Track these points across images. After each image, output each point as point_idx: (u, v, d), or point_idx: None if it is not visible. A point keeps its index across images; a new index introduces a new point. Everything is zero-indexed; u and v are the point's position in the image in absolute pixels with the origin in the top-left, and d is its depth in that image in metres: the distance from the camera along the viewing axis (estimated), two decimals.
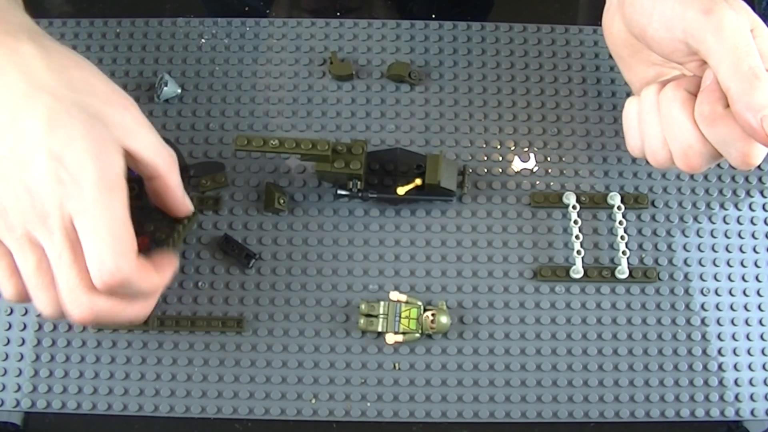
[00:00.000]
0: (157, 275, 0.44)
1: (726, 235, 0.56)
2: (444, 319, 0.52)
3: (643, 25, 0.46)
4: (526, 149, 0.58)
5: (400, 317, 0.52)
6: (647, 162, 0.48)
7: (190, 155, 0.57)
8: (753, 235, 0.56)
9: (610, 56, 0.59)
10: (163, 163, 0.45)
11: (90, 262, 0.41)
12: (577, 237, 0.55)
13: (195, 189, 0.56)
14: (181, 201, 0.48)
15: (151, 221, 0.49)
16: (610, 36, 0.52)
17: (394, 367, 0.53)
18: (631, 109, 0.49)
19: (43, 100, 0.41)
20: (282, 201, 0.55)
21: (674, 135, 0.45)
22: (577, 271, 0.54)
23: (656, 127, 0.46)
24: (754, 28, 0.43)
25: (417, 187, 0.54)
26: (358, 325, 0.53)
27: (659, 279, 0.55)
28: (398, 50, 0.60)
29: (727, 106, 0.42)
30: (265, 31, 0.61)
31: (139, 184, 0.55)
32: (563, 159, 0.58)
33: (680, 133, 0.44)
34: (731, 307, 0.54)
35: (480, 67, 0.60)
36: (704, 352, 0.53)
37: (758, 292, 0.55)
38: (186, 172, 0.55)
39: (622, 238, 0.55)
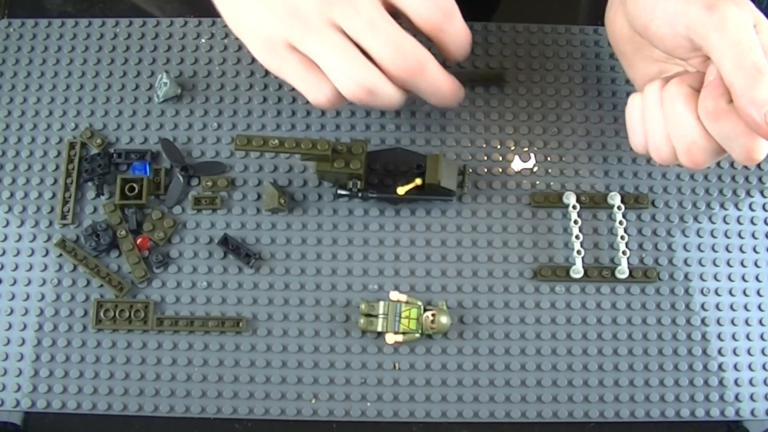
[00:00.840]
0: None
1: (726, 235, 0.56)
2: (444, 320, 0.52)
3: (646, 21, 0.46)
4: (526, 149, 0.58)
5: (400, 317, 0.52)
6: (650, 160, 0.48)
7: (189, 155, 0.57)
8: (753, 235, 0.56)
9: (611, 56, 0.59)
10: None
11: (416, 5, 0.45)
12: (577, 237, 0.55)
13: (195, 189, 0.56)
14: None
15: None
16: (613, 33, 0.52)
17: (394, 367, 0.53)
18: (634, 106, 0.49)
19: None
20: (283, 201, 0.55)
21: (678, 131, 0.45)
22: (577, 271, 0.54)
23: (659, 123, 0.46)
24: (757, 23, 0.43)
25: (417, 186, 0.54)
26: (358, 325, 0.53)
27: (659, 279, 0.55)
28: None
29: (731, 101, 0.42)
30: None
31: (139, 185, 0.55)
32: (563, 159, 0.58)
33: (684, 129, 0.44)
34: (731, 307, 0.54)
35: (480, 67, 0.60)
36: (704, 352, 0.53)
37: (758, 292, 0.55)
38: (186, 171, 0.55)
39: (622, 238, 0.55)
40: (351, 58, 0.45)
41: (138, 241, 0.54)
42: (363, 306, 0.53)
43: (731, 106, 0.42)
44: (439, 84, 0.48)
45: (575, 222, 0.55)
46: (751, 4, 0.44)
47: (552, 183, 0.57)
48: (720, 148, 0.44)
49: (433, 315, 0.52)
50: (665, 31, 0.45)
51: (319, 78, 0.47)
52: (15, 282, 0.54)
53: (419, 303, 0.53)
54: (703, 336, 0.54)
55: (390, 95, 0.47)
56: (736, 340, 0.54)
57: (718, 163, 0.57)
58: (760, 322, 0.54)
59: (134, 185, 0.55)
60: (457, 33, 0.48)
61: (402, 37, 0.45)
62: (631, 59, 0.51)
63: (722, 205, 0.57)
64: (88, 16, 0.61)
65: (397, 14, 0.46)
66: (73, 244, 0.54)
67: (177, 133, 0.57)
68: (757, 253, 0.56)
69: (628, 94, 0.57)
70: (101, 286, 0.54)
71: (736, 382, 0.53)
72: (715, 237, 0.56)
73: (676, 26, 0.44)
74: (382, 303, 0.53)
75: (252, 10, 0.46)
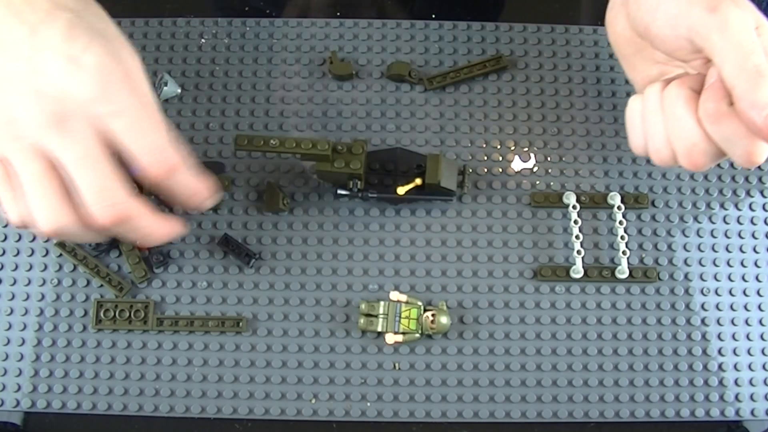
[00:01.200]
0: (199, 180, 0.46)
1: (726, 235, 0.56)
2: (444, 320, 0.52)
3: (648, 22, 0.46)
4: (526, 149, 0.58)
5: (400, 317, 0.52)
6: (650, 160, 0.48)
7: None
8: (753, 235, 0.56)
9: (611, 56, 0.59)
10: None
11: (142, 155, 0.42)
12: (577, 237, 0.55)
13: None
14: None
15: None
16: (614, 34, 0.52)
17: (394, 367, 0.53)
18: (634, 108, 0.49)
19: (64, 16, 0.42)
20: (285, 202, 0.55)
21: (678, 133, 0.45)
22: (577, 271, 0.54)
23: (660, 125, 0.46)
24: (759, 26, 0.43)
25: (417, 186, 0.54)
26: (358, 324, 0.53)
27: (659, 279, 0.55)
28: (398, 50, 0.60)
29: (732, 103, 0.42)
30: (266, 30, 0.61)
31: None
32: (563, 159, 0.58)
33: (684, 131, 0.44)
34: (731, 307, 0.54)
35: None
36: (704, 352, 0.53)
37: (758, 292, 0.55)
38: None
39: (622, 238, 0.55)
40: (41, 193, 0.41)
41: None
42: (363, 306, 0.53)
43: (732, 109, 0.42)
44: (149, 234, 0.45)
45: (575, 222, 0.55)
46: (753, 7, 0.44)
47: (552, 183, 0.57)
48: (720, 150, 0.44)
49: (433, 315, 0.52)
50: (667, 33, 0.45)
51: (10, 195, 0.43)
52: (15, 282, 0.54)
53: (419, 303, 0.53)
54: (703, 336, 0.54)
55: (82, 237, 0.44)
56: (736, 340, 0.54)
57: (718, 164, 0.57)
58: (760, 322, 0.54)
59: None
60: (181, 186, 0.45)
61: (109, 185, 0.41)
62: (631, 61, 0.51)
63: (722, 205, 0.57)
64: None
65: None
66: (73, 244, 0.54)
67: (177, 133, 0.57)
68: (757, 253, 0.56)
69: (628, 95, 0.57)
70: (101, 286, 0.54)
71: (736, 382, 0.53)
72: (715, 237, 0.56)
73: (677, 28, 0.44)
74: (382, 303, 0.53)
75: None
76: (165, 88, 0.57)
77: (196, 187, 0.46)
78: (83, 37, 0.41)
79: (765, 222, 0.56)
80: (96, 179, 0.41)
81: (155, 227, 0.45)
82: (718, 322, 0.54)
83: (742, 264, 0.55)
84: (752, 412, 0.52)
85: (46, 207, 0.42)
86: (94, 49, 0.41)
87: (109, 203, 0.42)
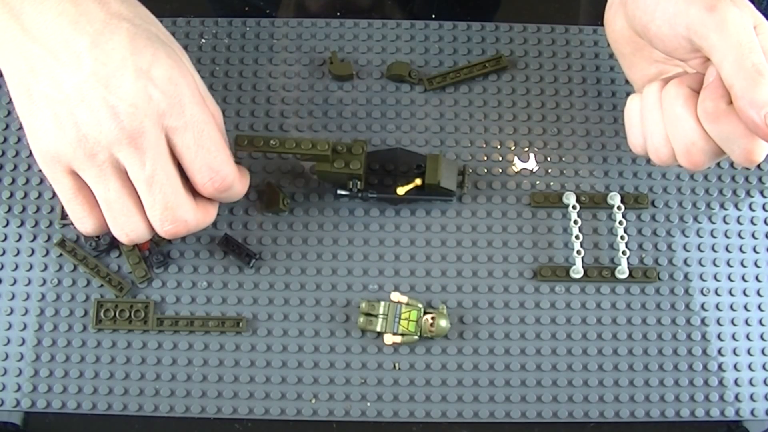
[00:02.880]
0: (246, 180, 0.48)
1: (726, 235, 0.56)
2: (443, 323, 0.52)
3: (646, 21, 0.46)
4: (526, 149, 0.58)
5: (399, 318, 0.52)
6: (649, 160, 0.48)
7: None
8: (753, 235, 0.56)
9: (611, 56, 0.59)
10: None
11: (199, 172, 0.43)
12: (577, 237, 0.55)
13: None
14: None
15: None
16: (613, 33, 0.52)
17: (394, 367, 0.53)
18: (633, 107, 0.49)
19: (124, 26, 0.41)
20: (286, 202, 0.55)
21: (677, 132, 0.45)
22: (577, 271, 0.54)
23: (659, 124, 0.46)
24: (758, 25, 0.43)
25: (417, 187, 0.54)
26: (357, 323, 0.53)
27: (659, 279, 0.55)
28: (398, 50, 0.60)
29: (730, 102, 0.42)
30: (266, 31, 0.61)
31: None
32: (563, 159, 0.58)
33: (683, 131, 0.44)
34: (731, 307, 0.54)
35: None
36: (704, 352, 0.53)
37: (758, 292, 0.55)
38: None
39: (622, 238, 0.55)
40: (119, 209, 0.43)
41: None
42: (363, 305, 0.53)
43: (731, 108, 0.42)
44: (198, 229, 0.47)
45: (575, 222, 0.55)
46: (751, 6, 0.44)
47: (552, 183, 0.57)
48: (719, 149, 0.44)
49: (432, 318, 0.52)
50: (665, 32, 0.45)
51: (85, 209, 0.44)
52: (15, 282, 0.54)
53: (420, 305, 0.53)
54: (703, 336, 0.54)
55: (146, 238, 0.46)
56: (736, 340, 0.54)
57: (718, 163, 0.58)
58: (760, 322, 0.54)
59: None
60: (228, 198, 0.47)
61: (176, 202, 0.43)
62: (630, 60, 0.51)
63: (722, 205, 0.57)
64: None
65: None
66: (73, 244, 0.54)
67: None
68: (757, 253, 0.56)
69: (628, 94, 0.57)
70: (101, 286, 0.54)
71: (736, 382, 0.53)
72: (715, 237, 0.56)
73: (676, 27, 0.44)
74: (382, 303, 0.53)
75: (43, 121, 0.41)
76: None
77: (240, 194, 0.48)
78: (148, 48, 0.41)
79: (765, 222, 0.56)
80: (163, 196, 0.42)
81: (204, 224, 0.46)
82: (718, 322, 0.54)
83: (742, 264, 0.55)
84: (752, 412, 0.52)
85: (123, 222, 0.43)
86: (162, 61, 0.41)
87: (172, 220, 0.43)
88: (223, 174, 0.44)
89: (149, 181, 0.42)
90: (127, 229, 0.44)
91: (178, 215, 0.43)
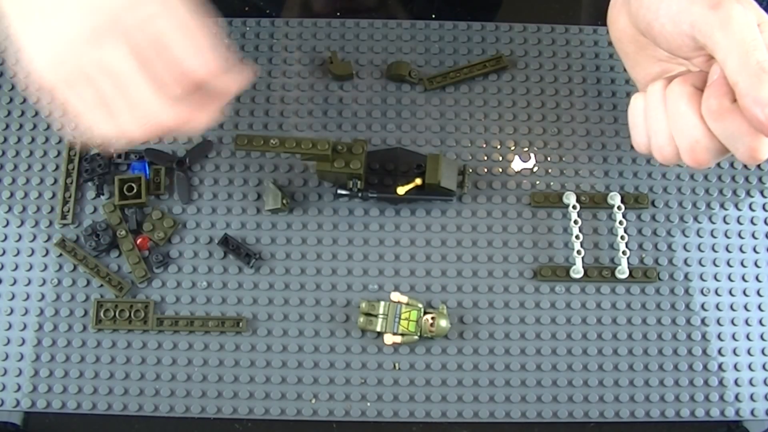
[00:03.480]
0: (234, 76, 0.46)
1: (726, 235, 0.56)
2: (443, 323, 0.52)
3: (650, 20, 0.46)
4: (526, 149, 0.58)
5: (399, 318, 0.52)
6: (650, 160, 0.48)
7: (188, 154, 0.57)
8: (753, 235, 0.56)
9: (611, 56, 0.59)
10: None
11: (184, 55, 0.43)
12: (577, 237, 0.55)
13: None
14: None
15: None
16: (616, 32, 0.52)
17: (394, 367, 0.53)
18: (637, 106, 0.49)
19: None
20: (285, 201, 0.55)
21: (681, 130, 0.45)
22: (577, 271, 0.54)
23: (663, 122, 0.46)
24: (761, 22, 0.43)
25: (417, 186, 0.54)
26: (357, 323, 0.53)
27: (659, 279, 0.55)
28: (398, 50, 0.60)
29: (735, 100, 0.42)
30: (266, 31, 0.61)
31: (137, 184, 0.55)
32: (563, 159, 0.58)
33: (687, 129, 0.44)
34: (731, 307, 0.54)
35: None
36: (704, 352, 0.53)
37: (758, 292, 0.55)
38: (182, 164, 0.56)
39: (622, 238, 0.55)
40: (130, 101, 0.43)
41: (138, 241, 0.54)
42: (363, 305, 0.53)
43: (735, 106, 0.42)
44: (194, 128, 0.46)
45: (575, 222, 0.55)
46: (755, 4, 0.44)
47: (552, 183, 0.57)
48: (723, 147, 0.44)
49: (432, 318, 0.52)
50: (669, 30, 0.45)
51: (102, 111, 0.44)
52: (15, 282, 0.54)
53: (420, 305, 0.53)
54: (703, 336, 0.54)
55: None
56: (736, 340, 0.54)
57: (718, 164, 0.57)
58: (760, 322, 0.54)
59: (132, 185, 0.55)
60: (221, 88, 0.46)
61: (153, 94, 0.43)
62: (634, 59, 0.51)
63: (722, 205, 0.57)
64: None
65: None
66: (73, 244, 0.54)
67: (177, 133, 0.57)
68: (757, 253, 0.56)
69: (628, 95, 0.57)
70: (101, 286, 0.54)
71: (736, 382, 0.53)
72: (715, 237, 0.56)
73: (680, 25, 0.44)
74: (382, 303, 0.53)
75: (36, 34, 0.43)
76: None
77: (232, 87, 0.47)
78: None
79: (765, 222, 0.56)
80: (152, 81, 0.42)
81: (200, 124, 0.46)
82: (718, 322, 0.54)
83: (742, 264, 0.55)
84: (752, 412, 0.52)
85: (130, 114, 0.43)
86: None
87: (147, 118, 0.43)
88: (209, 57, 0.44)
89: (136, 72, 0.42)
90: (129, 119, 0.43)
91: (153, 112, 0.43)
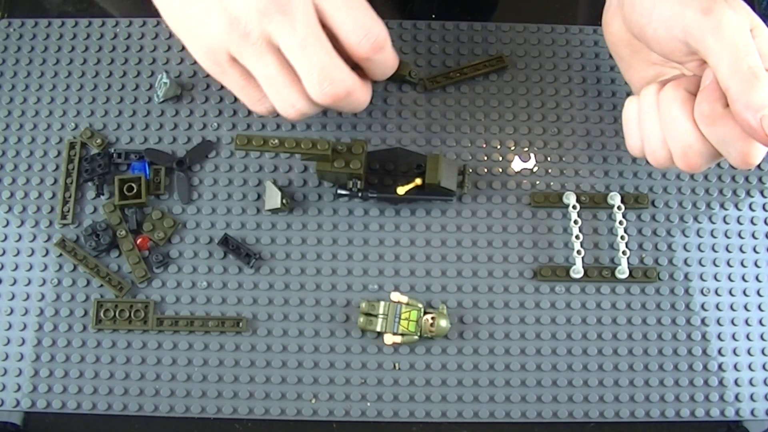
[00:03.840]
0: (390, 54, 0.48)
1: (726, 235, 0.56)
2: (443, 323, 0.52)
3: (643, 24, 0.46)
4: (526, 149, 0.58)
5: (399, 318, 0.52)
6: (647, 162, 0.48)
7: (188, 154, 0.57)
8: (753, 235, 0.56)
9: (610, 56, 0.59)
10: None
11: (353, 33, 0.45)
12: (577, 237, 0.55)
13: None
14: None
15: None
16: (610, 35, 0.52)
17: (394, 367, 0.53)
18: (630, 109, 0.49)
19: None
20: (285, 201, 0.55)
21: (674, 135, 0.45)
22: (577, 271, 0.54)
23: (656, 126, 0.46)
24: (754, 27, 0.43)
25: (417, 186, 0.54)
26: (357, 323, 0.53)
27: (659, 279, 0.55)
28: (398, 50, 0.60)
29: (727, 105, 0.42)
30: None
31: (137, 184, 0.55)
32: (563, 159, 0.58)
33: (680, 133, 0.44)
34: (731, 307, 0.54)
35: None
36: (704, 352, 0.53)
37: (758, 292, 0.55)
38: (182, 164, 0.56)
39: (622, 238, 0.55)
40: (281, 82, 0.45)
41: (138, 241, 0.54)
42: (363, 305, 0.53)
43: (727, 111, 0.42)
44: (358, 105, 0.48)
45: (575, 222, 0.55)
46: (748, 8, 0.44)
47: (552, 183, 0.57)
48: (716, 152, 0.44)
49: (432, 318, 0.52)
50: (662, 35, 0.45)
51: (258, 91, 0.47)
52: (15, 282, 0.54)
53: (420, 305, 0.53)
54: (703, 336, 0.54)
55: (315, 111, 0.48)
56: (736, 340, 0.54)
57: (718, 164, 0.58)
58: (760, 322, 0.54)
59: (132, 185, 0.55)
60: (383, 62, 0.48)
61: (331, 63, 0.44)
62: (628, 62, 0.51)
63: (722, 205, 0.57)
64: (88, 16, 0.61)
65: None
66: (73, 244, 0.54)
67: (177, 133, 0.57)
68: (757, 253, 0.56)
69: (627, 94, 0.57)
70: (101, 286, 0.54)
71: (736, 382, 0.53)
72: (715, 237, 0.56)
73: (672, 30, 0.44)
74: (382, 303, 0.53)
75: (196, 19, 0.45)
76: (165, 88, 0.57)
77: (394, 62, 0.48)
78: None
79: (765, 222, 0.56)
80: (318, 59, 0.44)
81: (364, 99, 0.48)
82: (718, 322, 0.54)
83: (742, 264, 0.55)
84: (752, 412, 0.52)
85: (287, 93, 0.45)
86: None
87: (331, 80, 0.44)
88: (376, 30, 0.45)
89: (302, 45, 0.43)
90: (292, 100, 0.45)
91: (335, 75, 0.44)
